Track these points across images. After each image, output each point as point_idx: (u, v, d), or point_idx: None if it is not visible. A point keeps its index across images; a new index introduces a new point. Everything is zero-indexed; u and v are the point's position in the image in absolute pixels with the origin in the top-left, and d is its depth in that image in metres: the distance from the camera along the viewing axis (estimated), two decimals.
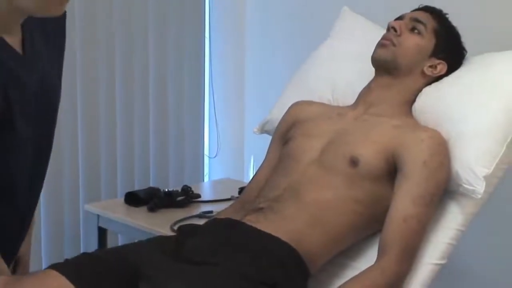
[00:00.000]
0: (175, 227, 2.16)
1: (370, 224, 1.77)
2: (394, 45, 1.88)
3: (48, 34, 1.58)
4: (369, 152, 1.76)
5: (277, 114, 2.12)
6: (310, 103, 2.06)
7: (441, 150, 1.75)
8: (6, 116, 1.43)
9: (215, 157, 3.51)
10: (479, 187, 1.71)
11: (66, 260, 1.65)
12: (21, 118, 1.47)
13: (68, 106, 2.89)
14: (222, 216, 1.88)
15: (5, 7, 1.39)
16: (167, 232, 2.15)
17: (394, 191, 1.71)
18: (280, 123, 2.06)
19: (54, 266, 1.59)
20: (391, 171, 1.75)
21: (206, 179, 3.52)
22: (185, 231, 1.79)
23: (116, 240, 2.99)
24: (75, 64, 2.93)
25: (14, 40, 1.46)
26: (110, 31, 3.04)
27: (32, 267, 1.78)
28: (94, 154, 3.06)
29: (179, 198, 2.47)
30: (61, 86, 1.64)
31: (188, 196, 2.50)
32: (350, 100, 2.02)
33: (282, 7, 3.14)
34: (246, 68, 3.38)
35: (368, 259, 1.74)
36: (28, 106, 1.49)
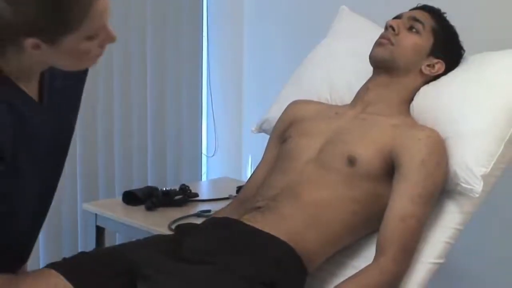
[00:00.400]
0: (173, 226, 2.16)
1: (368, 223, 1.77)
2: (392, 44, 1.88)
3: (66, 87, 1.55)
4: (367, 151, 1.76)
5: (275, 113, 2.12)
6: (308, 102, 2.06)
7: (439, 149, 1.75)
8: (10, 164, 1.41)
9: (213, 156, 3.50)
10: (477, 186, 1.71)
11: (64, 259, 1.65)
12: (28, 164, 1.46)
13: None
14: (220, 215, 1.88)
15: (33, 62, 1.38)
16: (165, 231, 2.15)
17: (392, 190, 1.71)
18: (277, 122, 2.06)
19: (52, 265, 1.59)
20: (389, 170, 1.75)
21: (204, 178, 3.52)
22: (183, 230, 1.79)
23: (114, 239, 2.99)
24: None
25: (31, 84, 1.45)
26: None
27: (30, 266, 1.78)
28: (92, 153, 3.05)
29: (177, 197, 2.47)
30: (76, 121, 1.63)
31: (186, 195, 2.50)
32: (348, 99, 2.02)
33: (281, 6, 3.13)
34: (244, 67, 3.38)
35: (366, 257, 1.74)
36: (37, 153, 1.48)
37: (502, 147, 1.75)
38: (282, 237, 1.67)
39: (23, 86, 1.42)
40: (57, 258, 1.68)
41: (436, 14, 1.94)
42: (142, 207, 2.43)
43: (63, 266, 1.58)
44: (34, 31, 1.29)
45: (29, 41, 1.30)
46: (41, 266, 2.09)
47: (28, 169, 1.47)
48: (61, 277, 1.53)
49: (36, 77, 1.46)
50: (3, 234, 1.50)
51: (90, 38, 1.33)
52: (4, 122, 1.37)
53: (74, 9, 1.28)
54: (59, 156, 1.60)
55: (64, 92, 1.54)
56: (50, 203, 1.64)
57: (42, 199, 1.60)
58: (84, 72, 1.60)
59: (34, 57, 1.34)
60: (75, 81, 1.59)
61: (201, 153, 3.51)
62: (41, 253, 2.93)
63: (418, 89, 1.91)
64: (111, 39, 1.38)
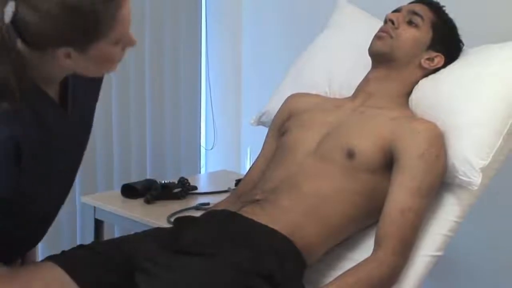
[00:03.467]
0: (172, 219, 2.16)
1: (367, 216, 1.78)
2: (391, 37, 1.88)
3: (85, 94, 1.59)
4: (366, 144, 1.76)
5: (274, 105, 2.12)
6: (306, 95, 2.06)
7: (438, 142, 1.75)
8: (43, 152, 1.45)
9: (211, 149, 3.51)
10: (476, 179, 1.71)
11: (63, 252, 1.65)
12: (56, 155, 1.50)
13: None
14: (219, 208, 1.88)
15: (62, 69, 1.41)
16: (163, 224, 2.15)
17: (391, 183, 1.71)
18: (276, 115, 2.06)
19: (51, 258, 1.59)
20: (388, 163, 1.75)
21: (202, 171, 3.52)
22: (181, 223, 1.79)
23: (113, 232, 2.99)
24: None
25: (51, 89, 1.47)
26: None
27: None
28: (91, 146, 3.02)
29: (176, 190, 2.47)
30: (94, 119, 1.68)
31: (184, 188, 2.49)
32: (347, 92, 2.02)
33: None
34: (242, 60, 3.38)
35: (364, 250, 1.74)
36: (60, 157, 1.52)
37: (501, 139, 1.75)
38: (281, 229, 1.67)
39: (47, 91, 1.45)
40: (56, 251, 1.68)
41: (435, 7, 1.94)
42: (141, 200, 2.43)
43: (62, 259, 1.58)
44: (65, 41, 1.31)
45: (61, 51, 1.33)
46: (40, 259, 2.09)
47: (53, 171, 1.52)
48: (60, 269, 1.54)
49: (58, 82, 1.49)
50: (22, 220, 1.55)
51: (116, 43, 1.36)
52: (29, 128, 1.40)
53: (103, 17, 1.30)
54: (79, 156, 1.67)
55: (85, 97, 1.58)
56: (65, 199, 1.70)
57: (61, 197, 1.67)
58: (102, 78, 1.63)
59: (63, 65, 1.36)
60: (94, 87, 1.63)
61: (200, 146, 3.51)
62: (40, 246, 2.92)
63: (417, 82, 1.91)
64: (132, 42, 1.41)
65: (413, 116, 1.86)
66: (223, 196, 2.16)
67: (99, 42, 1.33)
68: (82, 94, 1.56)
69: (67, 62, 1.35)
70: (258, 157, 2.03)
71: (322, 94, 2.10)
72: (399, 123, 1.79)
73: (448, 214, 1.77)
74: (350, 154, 1.75)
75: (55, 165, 1.52)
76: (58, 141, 1.49)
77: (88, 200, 2.53)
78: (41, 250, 2.90)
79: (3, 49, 1.29)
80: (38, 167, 1.45)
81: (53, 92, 1.48)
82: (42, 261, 1.63)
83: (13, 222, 1.52)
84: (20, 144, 1.38)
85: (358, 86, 1.96)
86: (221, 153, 3.50)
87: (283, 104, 2.05)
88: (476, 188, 1.72)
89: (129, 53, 3.28)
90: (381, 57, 1.89)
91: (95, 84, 1.62)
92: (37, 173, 1.46)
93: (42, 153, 1.45)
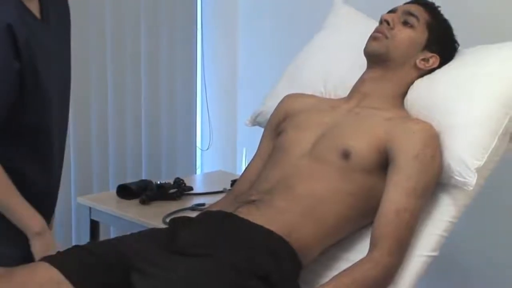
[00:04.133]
0: (168, 220, 2.16)
1: (363, 216, 1.78)
2: (386, 38, 1.88)
3: (59, 12, 1.75)
4: (361, 145, 1.76)
5: (269, 106, 2.12)
6: (302, 95, 2.06)
7: (433, 143, 1.75)
8: (31, 71, 1.59)
9: (207, 149, 3.50)
10: (471, 179, 1.71)
11: (58, 252, 1.65)
12: (46, 74, 1.62)
13: None
14: (215, 209, 1.88)
15: None
16: (159, 224, 2.15)
17: (386, 184, 1.72)
18: (272, 115, 2.06)
19: (46, 259, 1.59)
20: (383, 163, 1.75)
21: (198, 171, 3.52)
22: (177, 224, 1.79)
23: (108, 232, 2.99)
24: None
25: (32, 6, 1.61)
26: (101, 19, 3.02)
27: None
28: (86, 146, 3.05)
29: (172, 191, 2.47)
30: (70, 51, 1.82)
31: (180, 189, 2.49)
32: (342, 92, 2.02)
33: None
34: (238, 60, 3.38)
35: (360, 251, 1.74)
36: (48, 63, 1.63)
37: (496, 140, 1.75)
38: (277, 230, 1.67)
39: (28, 5, 1.61)
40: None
41: (430, 8, 1.94)
42: (137, 200, 2.43)
43: (57, 260, 1.58)
44: None
45: None
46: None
47: (47, 80, 1.64)
48: (56, 270, 1.54)
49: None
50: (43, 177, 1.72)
51: None
52: (20, 32, 1.55)
53: None
54: (67, 75, 1.79)
55: (58, 14, 1.74)
56: (67, 127, 1.84)
57: (62, 118, 1.79)
58: (67, 6, 1.81)
59: None
60: (64, 7, 1.80)
61: (196, 146, 3.50)
62: None
63: (412, 83, 1.91)
64: None
65: (408, 117, 1.86)
66: (219, 197, 2.16)
67: None
68: (56, 13, 1.72)
69: None
70: (254, 158, 2.03)
71: (318, 94, 2.10)
72: (395, 124, 1.79)
73: (443, 215, 1.77)
74: (346, 155, 1.75)
75: (48, 79, 1.63)
76: (44, 52, 1.62)
77: (84, 200, 2.53)
78: None
79: None
80: (35, 77, 1.59)
81: (34, 8, 1.62)
82: (37, 261, 1.62)
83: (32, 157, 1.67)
84: (13, 28, 1.53)
85: (354, 86, 1.96)
86: (217, 154, 3.50)
87: (278, 104, 2.05)
88: (471, 188, 1.72)
89: (125, 53, 3.30)
90: (376, 57, 1.90)
91: (64, 7, 1.79)
92: (37, 90, 1.61)
93: (35, 56, 1.58)
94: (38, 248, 1.68)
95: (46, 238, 1.70)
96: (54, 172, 1.81)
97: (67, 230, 3.00)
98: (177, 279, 1.53)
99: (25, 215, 1.68)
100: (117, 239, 1.77)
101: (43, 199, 1.77)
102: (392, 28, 1.89)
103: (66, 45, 1.80)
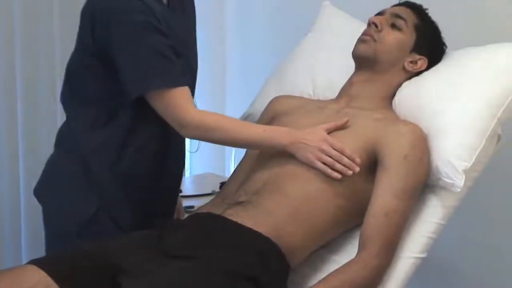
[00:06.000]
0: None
1: (351, 218, 1.78)
2: (374, 40, 1.89)
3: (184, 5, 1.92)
4: (350, 145, 1.76)
5: (258, 108, 2.12)
6: (290, 97, 2.07)
7: (421, 144, 1.76)
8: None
9: (196, 151, 3.49)
10: (459, 181, 1.72)
11: (46, 255, 1.65)
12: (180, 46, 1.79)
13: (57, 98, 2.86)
14: (203, 211, 1.88)
15: None
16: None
17: (375, 185, 1.72)
18: (260, 117, 2.06)
19: (34, 261, 1.58)
20: (372, 164, 1.75)
21: (187, 174, 3.51)
22: (166, 226, 1.78)
23: None
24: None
25: None
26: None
27: (12, 263, 1.78)
28: None
29: None
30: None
31: None
32: (330, 94, 2.03)
33: (264, 0, 3.13)
34: (227, 62, 3.37)
35: (349, 252, 1.74)
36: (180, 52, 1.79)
37: (484, 141, 1.76)
38: (265, 232, 1.67)
39: None
40: (39, 254, 1.67)
41: (418, 10, 1.95)
42: None
43: (45, 262, 1.57)
44: None
45: None
46: (23, 262, 2.08)
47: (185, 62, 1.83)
48: (43, 273, 1.52)
49: None
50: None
51: None
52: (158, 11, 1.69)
53: None
54: (196, 57, 2.01)
55: (183, 7, 1.91)
56: None
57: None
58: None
59: None
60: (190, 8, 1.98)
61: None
62: (23, 249, 2.91)
63: (400, 85, 1.92)
64: None
65: (396, 118, 1.87)
66: (208, 199, 2.16)
67: None
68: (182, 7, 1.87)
69: None
70: (242, 159, 2.03)
71: (306, 96, 2.11)
72: (383, 125, 1.80)
73: (431, 216, 1.77)
74: None
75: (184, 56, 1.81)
76: (174, 33, 1.75)
77: None
78: (24, 253, 2.89)
79: None
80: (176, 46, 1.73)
81: None
82: (25, 264, 1.61)
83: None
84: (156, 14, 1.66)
85: (342, 88, 1.96)
86: (206, 156, 3.49)
87: (267, 106, 2.06)
88: (459, 190, 1.73)
89: None
90: (364, 60, 1.90)
91: None
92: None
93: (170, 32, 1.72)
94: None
95: (299, 138, 1.76)
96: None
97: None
98: (166, 282, 1.53)
99: (269, 137, 1.78)
100: (105, 241, 1.76)
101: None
102: (380, 31, 1.89)
103: (193, 36, 1.94)
